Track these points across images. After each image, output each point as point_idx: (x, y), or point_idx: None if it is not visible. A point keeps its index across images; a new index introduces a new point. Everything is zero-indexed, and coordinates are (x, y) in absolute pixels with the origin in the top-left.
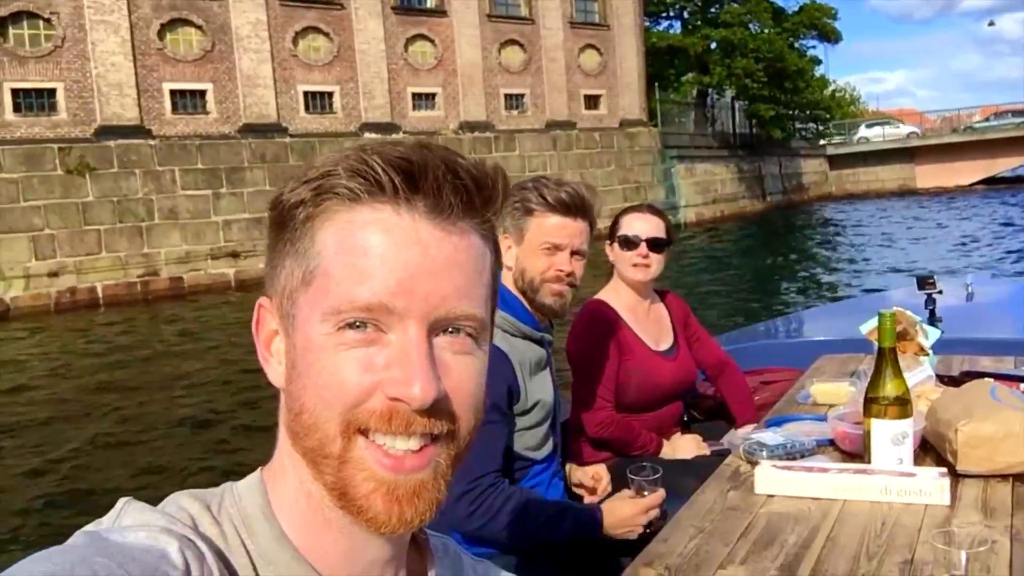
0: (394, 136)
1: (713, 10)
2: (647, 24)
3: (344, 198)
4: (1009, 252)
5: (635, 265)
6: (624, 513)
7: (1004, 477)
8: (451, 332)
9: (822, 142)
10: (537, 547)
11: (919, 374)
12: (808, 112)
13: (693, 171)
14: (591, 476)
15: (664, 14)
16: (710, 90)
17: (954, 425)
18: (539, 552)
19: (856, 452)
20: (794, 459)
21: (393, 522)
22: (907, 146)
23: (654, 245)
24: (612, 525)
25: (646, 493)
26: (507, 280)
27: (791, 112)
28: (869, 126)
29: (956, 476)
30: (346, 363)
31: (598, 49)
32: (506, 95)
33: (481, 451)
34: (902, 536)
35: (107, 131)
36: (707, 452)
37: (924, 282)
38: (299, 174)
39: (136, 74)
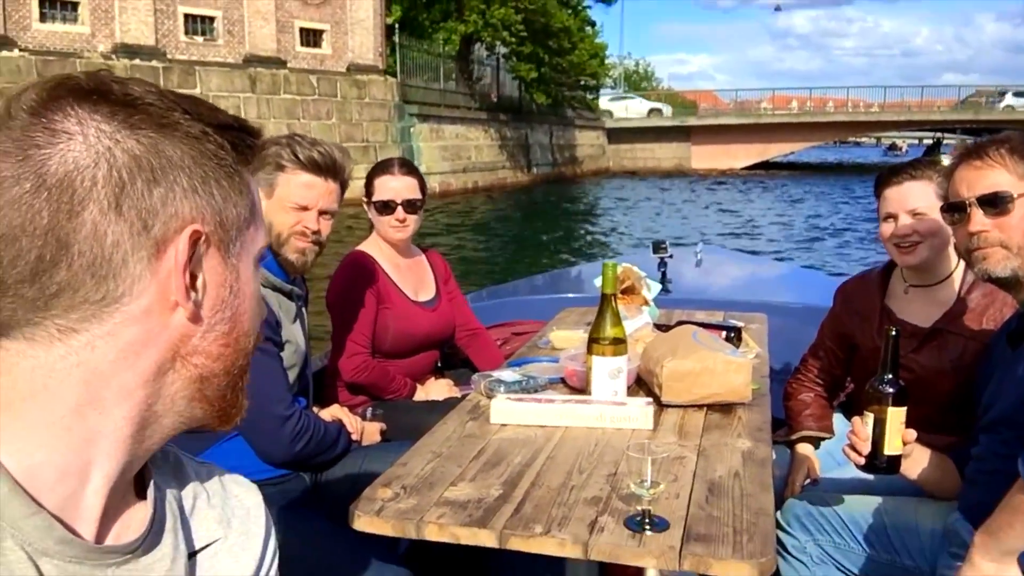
0: (4, 53)
1: None
2: None
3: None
4: (740, 231)
5: (392, 227)
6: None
7: (700, 407)
8: None
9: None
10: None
11: (639, 321)
12: (574, 77)
13: (440, 133)
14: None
15: None
16: (477, 45)
17: (660, 362)
18: (289, 486)
19: (581, 388)
20: (528, 393)
21: (237, 416)
22: (684, 124)
23: (409, 206)
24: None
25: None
26: None
27: (558, 75)
28: (612, 99)
29: (661, 406)
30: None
31: None
32: (186, 15)
33: (282, 378)
34: (610, 454)
35: None
36: (459, 395)
37: (658, 247)
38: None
39: None
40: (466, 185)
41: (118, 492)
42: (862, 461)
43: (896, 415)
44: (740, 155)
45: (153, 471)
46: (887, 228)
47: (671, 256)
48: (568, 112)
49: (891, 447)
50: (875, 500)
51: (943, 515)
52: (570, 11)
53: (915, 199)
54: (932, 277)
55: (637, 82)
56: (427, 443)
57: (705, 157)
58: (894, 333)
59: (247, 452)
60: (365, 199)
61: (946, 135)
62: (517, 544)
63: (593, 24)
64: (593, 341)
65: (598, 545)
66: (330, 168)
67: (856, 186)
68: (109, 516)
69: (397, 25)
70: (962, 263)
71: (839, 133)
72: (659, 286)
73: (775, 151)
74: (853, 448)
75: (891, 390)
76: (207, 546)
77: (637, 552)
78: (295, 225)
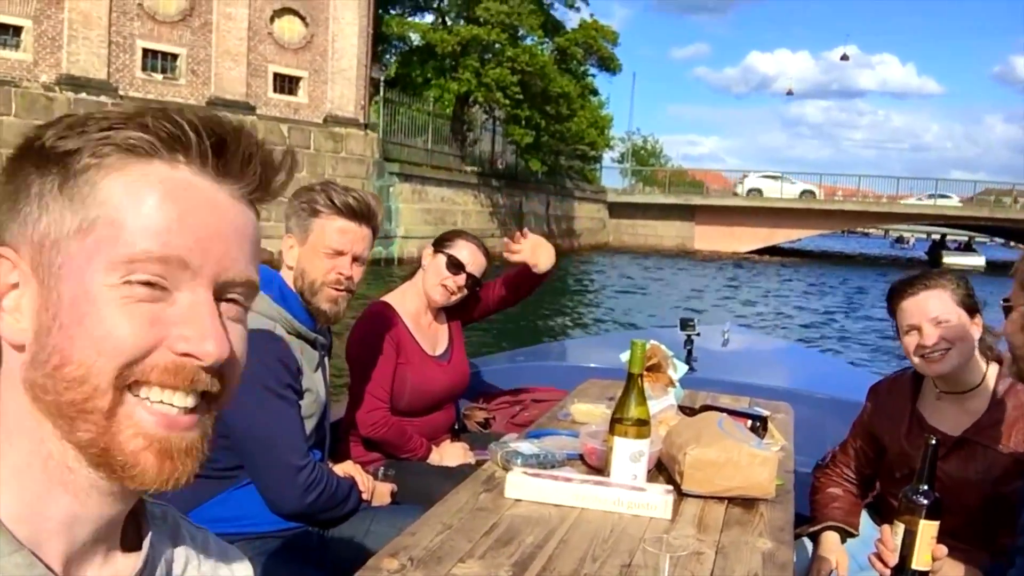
0: None
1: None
2: (394, 12)
3: (139, 152)
4: (768, 314)
5: (444, 285)
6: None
7: (721, 499)
8: (229, 300)
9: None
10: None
11: (664, 402)
12: (571, 146)
13: (423, 195)
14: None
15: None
16: (473, 105)
17: (683, 448)
18: (294, 540)
19: (600, 467)
20: (545, 468)
21: (164, 478)
22: (690, 204)
23: (471, 281)
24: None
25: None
26: (287, 278)
27: (555, 143)
28: (762, 176)
29: (681, 495)
30: (131, 316)
31: (302, 17)
32: (145, 50)
33: (298, 427)
34: (626, 542)
35: None
36: (472, 461)
37: (685, 324)
38: (72, 122)
39: None
40: None
41: (99, 540)
42: (888, 573)
43: (928, 528)
44: (745, 239)
45: (151, 528)
46: (911, 340)
47: (698, 334)
48: (567, 183)
49: (920, 562)
50: None
51: None
52: (572, 77)
53: (935, 308)
54: (962, 385)
55: (645, 158)
56: (438, 513)
57: (709, 238)
58: (934, 442)
59: (257, 500)
60: (434, 247)
61: (950, 231)
62: None
63: (596, 92)
64: (616, 421)
65: None
66: (364, 213)
67: (868, 277)
68: (92, 562)
69: (384, 80)
70: (992, 371)
71: (848, 222)
72: (686, 367)
73: (781, 236)
74: (879, 558)
75: (925, 501)
76: None
77: None
78: (329, 272)
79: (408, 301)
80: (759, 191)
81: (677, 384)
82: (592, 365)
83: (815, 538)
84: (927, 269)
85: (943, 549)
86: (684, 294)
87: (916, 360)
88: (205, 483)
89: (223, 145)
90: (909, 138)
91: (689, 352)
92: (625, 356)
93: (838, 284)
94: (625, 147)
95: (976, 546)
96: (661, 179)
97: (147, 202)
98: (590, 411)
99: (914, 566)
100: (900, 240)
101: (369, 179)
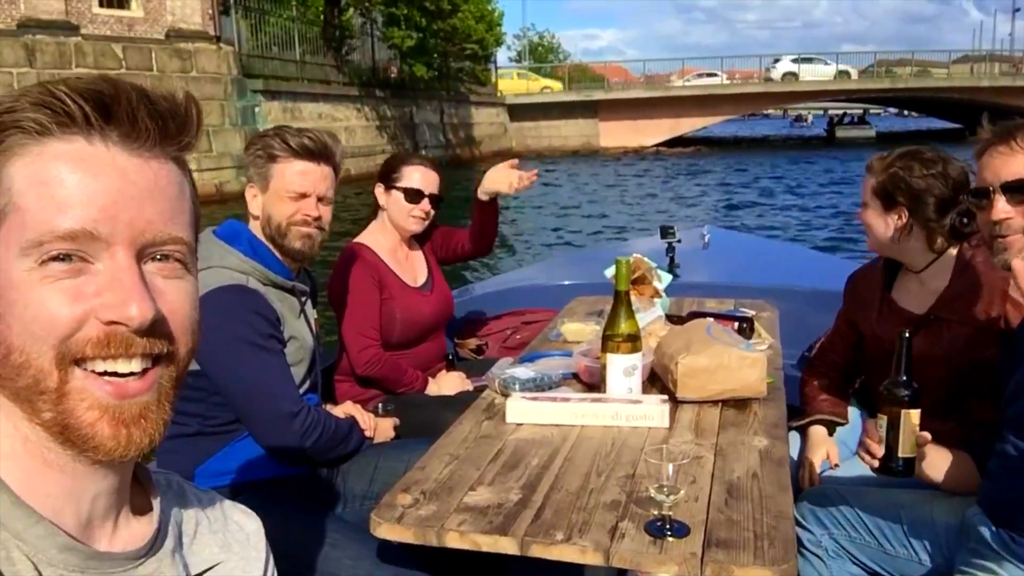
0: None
1: None
2: None
3: (31, 132)
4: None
5: (414, 216)
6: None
7: (715, 403)
8: (160, 259)
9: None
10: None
11: (651, 314)
12: (459, 46)
13: (297, 113)
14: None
15: None
16: (347, 8)
17: (675, 358)
18: (304, 483)
19: (595, 384)
20: (543, 391)
21: (122, 446)
22: (591, 99)
23: (434, 200)
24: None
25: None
26: (255, 229)
27: (442, 44)
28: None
29: (676, 402)
30: (53, 295)
31: None
32: None
33: (286, 375)
34: (627, 454)
35: None
36: (470, 388)
37: (666, 231)
38: None
39: None
40: None
41: (110, 507)
42: (876, 464)
43: (910, 417)
44: (651, 131)
45: (159, 495)
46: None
47: (679, 240)
48: (461, 87)
49: (905, 449)
50: (890, 493)
51: (960, 509)
52: None
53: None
54: (913, 265)
55: (543, 55)
56: (444, 445)
57: (614, 134)
58: (907, 335)
59: (260, 448)
60: (382, 185)
61: (847, 105)
62: (538, 551)
63: None
64: (607, 338)
65: (619, 552)
66: (322, 152)
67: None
68: (105, 529)
69: None
70: (951, 250)
71: (751, 105)
72: (670, 276)
73: (687, 126)
74: (867, 451)
75: (905, 392)
76: (208, 570)
77: (659, 559)
78: (294, 215)
79: (380, 239)
80: (794, 75)
81: (663, 294)
82: (578, 282)
83: (804, 431)
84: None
85: (926, 436)
86: (600, 195)
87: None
88: (205, 440)
89: (106, 107)
90: (800, 16)
91: (671, 260)
92: (610, 272)
93: (754, 168)
94: (521, 45)
95: (952, 420)
96: (561, 76)
97: (45, 182)
98: (580, 330)
99: (901, 454)
100: (799, 119)
101: (229, 100)
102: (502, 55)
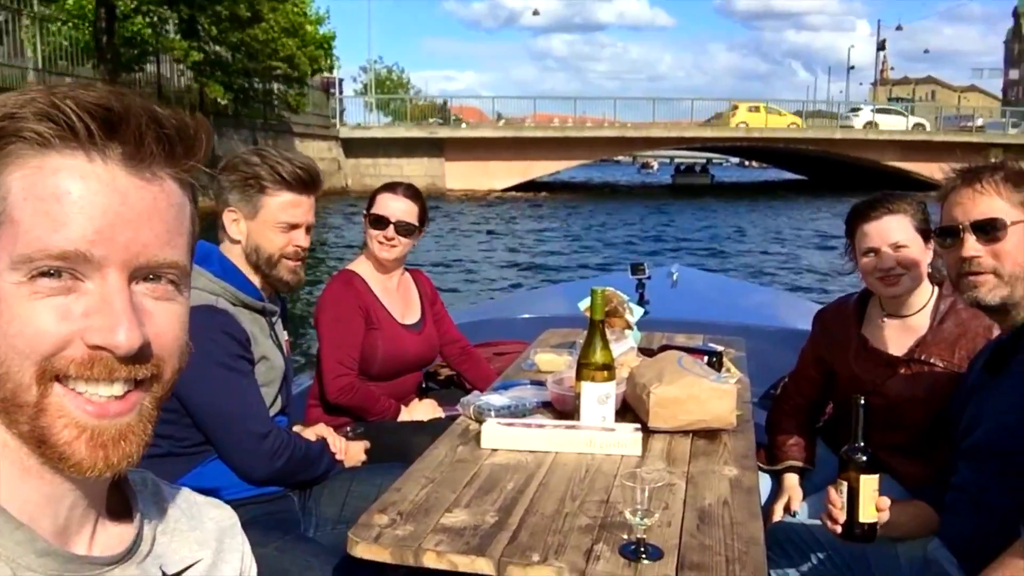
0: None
1: None
2: None
3: (32, 143)
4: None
5: (380, 243)
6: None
7: (686, 433)
8: (152, 279)
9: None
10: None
11: (624, 345)
12: (262, 63)
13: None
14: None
15: None
16: (136, 13)
17: (648, 388)
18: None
19: (568, 412)
20: (517, 417)
21: (99, 467)
22: (436, 136)
23: (401, 228)
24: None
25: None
26: (233, 253)
27: (245, 61)
28: (877, 111)
29: (648, 431)
30: (41, 312)
31: None
32: None
33: (256, 396)
34: (601, 480)
35: None
36: (442, 416)
37: (636, 268)
38: None
39: None
40: None
41: (87, 512)
42: (839, 530)
43: (869, 483)
44: (500, 174)
45: (137, 496)
46: (869, 262)
47: (649, 277)
48: (284, 115)
49: (866, 514)
50: None
51: (922, 543)
52: None
53: (895, 233)
54: (910, 307)
55: (391, 88)
56: (419, 468)
57: (461, 176)
58: (863, 402)
59: (227, 472)
60: (365, 214)
61: (692, 155)
62: (515, 572)
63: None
64: (582, 367)
65: (595, 574)
66: (312, 183)
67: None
68: (83, 533)
69: None
70: (935, 294)
71: (604, 150)
72: (641, 310)
73: (538, 170)
74: (830, 517)
75: (863, 458)
76: (187, 568)
77: None
78: (286, 246)
79: (367, 268)
80: (874, 124)
81: (634, 327)
82: (548, 315)
83: (777, 475)
84: (888, 192)
85: (886, 501)
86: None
87: (872, 281)
88: (175, 461)
89: (113, 126)
90: (647, 68)
91: (641, 296)
92: (584, 304)
93: (599, 215)
94: (367, 78)
95: (922, 460)
96: (409, 112)
97: (42, 197)
98: (553, 360)
99: (862, 519)
100: (645, 166)
101: None
102: (347, 87)
